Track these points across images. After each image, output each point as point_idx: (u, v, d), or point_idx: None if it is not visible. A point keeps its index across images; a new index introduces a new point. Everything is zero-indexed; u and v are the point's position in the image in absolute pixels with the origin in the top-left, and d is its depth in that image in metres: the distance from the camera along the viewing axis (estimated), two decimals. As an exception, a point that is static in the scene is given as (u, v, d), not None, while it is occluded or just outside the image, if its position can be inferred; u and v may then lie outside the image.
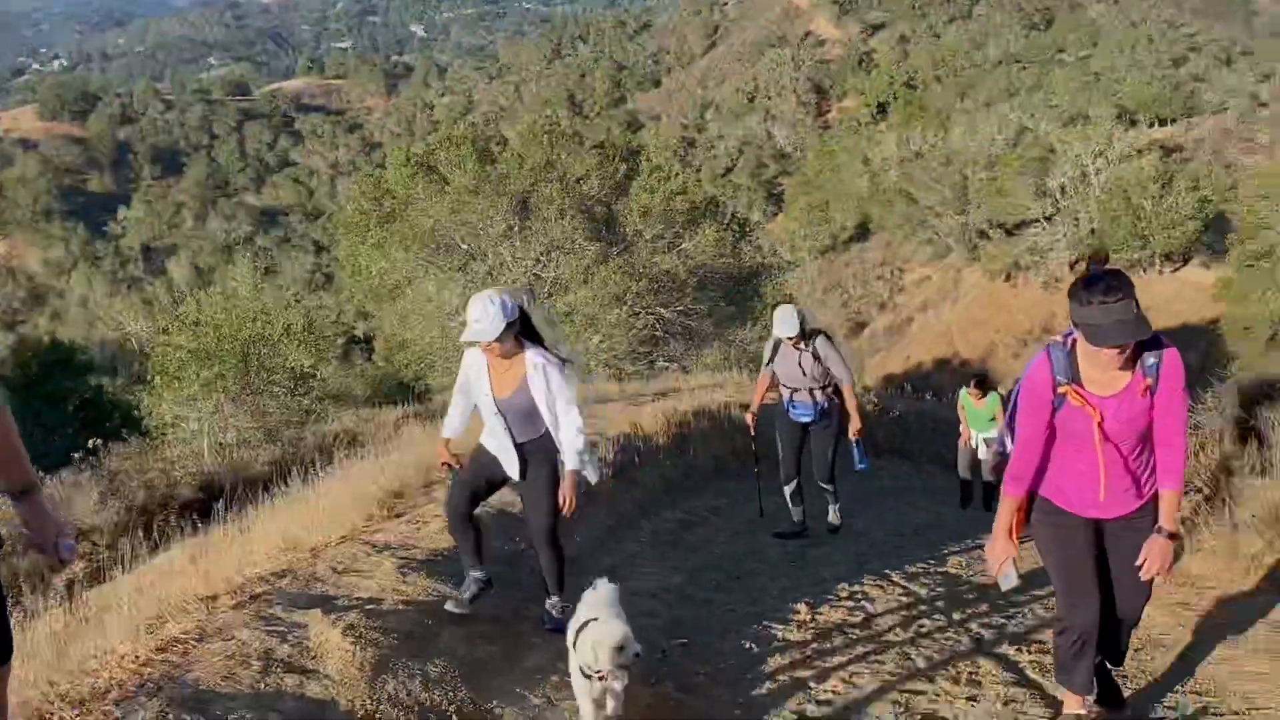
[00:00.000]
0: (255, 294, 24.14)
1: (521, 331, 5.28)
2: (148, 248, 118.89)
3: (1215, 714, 4.26)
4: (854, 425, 8.44)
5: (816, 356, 8.32)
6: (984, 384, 12.61)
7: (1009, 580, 4.02)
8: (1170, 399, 3.78)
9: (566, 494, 5.35)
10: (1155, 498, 3.94)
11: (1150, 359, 3.76)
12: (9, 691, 3.23)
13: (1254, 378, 8.65)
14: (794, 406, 8.54)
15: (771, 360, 8.60)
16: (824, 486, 8.87)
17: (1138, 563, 3.88)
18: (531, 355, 5.25)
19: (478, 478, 5.55)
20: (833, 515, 9.13)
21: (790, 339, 8.29)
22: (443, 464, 5.55)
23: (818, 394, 8.43)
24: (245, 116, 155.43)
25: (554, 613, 5.59)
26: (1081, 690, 4.17)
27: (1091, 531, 4.03)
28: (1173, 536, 3.90)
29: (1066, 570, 4.00)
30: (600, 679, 4.15)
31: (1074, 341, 3.84)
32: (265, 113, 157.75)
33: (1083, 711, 4.19)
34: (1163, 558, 3.86)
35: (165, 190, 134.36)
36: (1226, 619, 5.49)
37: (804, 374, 8.37)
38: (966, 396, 12.50)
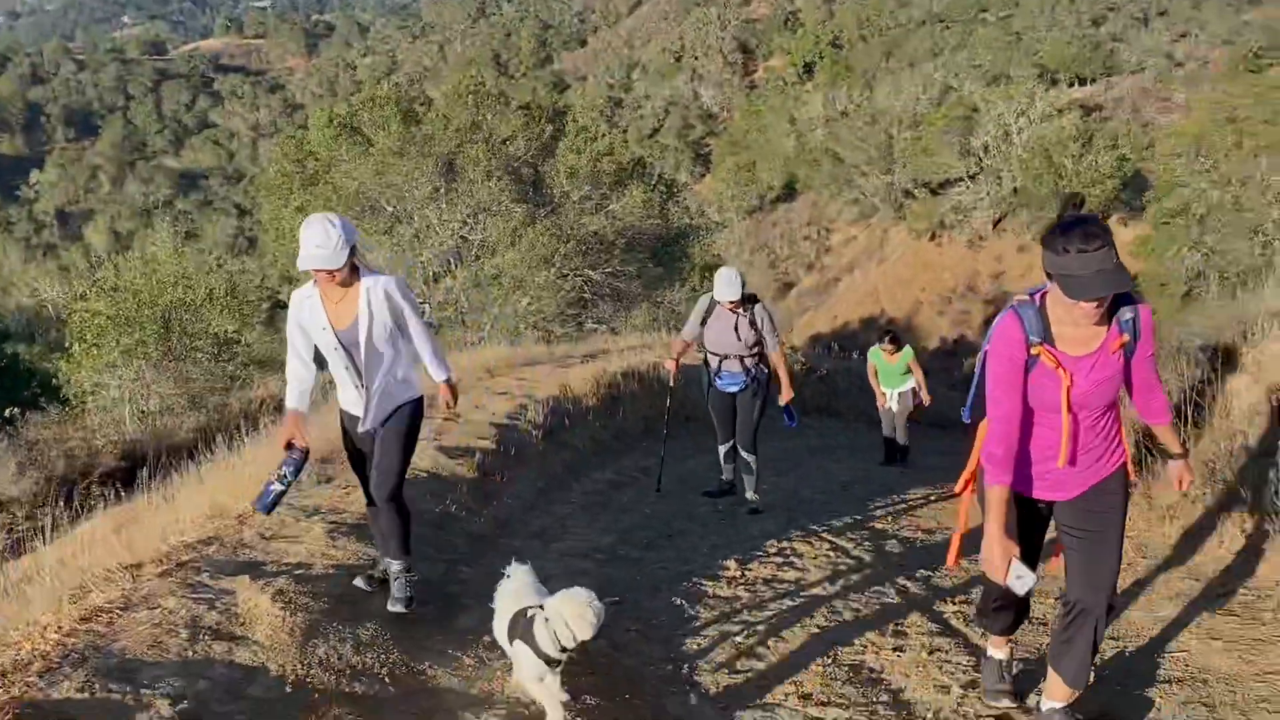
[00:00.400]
0: (176, 259, 23.62)
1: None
2: (63, 212, 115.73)
3: (1128, 658, 4.40)
4: (786, 394, 8.15)
5: (754, 323, 7.90)
6: (896, 340, 12.44)
7: (1023, 582, 3.50)
8: (1146, 349, 3.53)
9: (449, 400, 5.28)
10: (1120, 467, 3.69)
11: (1127, 314, 3.47)
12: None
13: (1171, 334, 8.87)
14: (721, 377, 8.10)
15: (703, 323, 8.08)
16: (745, 455, 8.27)
17: (1176, 485, 3.83)
18: (367, 280, 4.74)
19: (362, 450, 5.08)
20: (751, 494, 8.42)
21: (731, 303, 7.84)
22: (286, 444, 4.86)
23: (748, 361, 8.00)
24: (162, 77, 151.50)
25: (401, 583, 4.97)
26: (1003, 633, 4.11)
27: (1041, 511, 3.78)
28: (1185, 455, 3.85)
29: None
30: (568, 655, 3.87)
31: (1043, 297, 3.55)
32: (183, 73, 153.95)
33: (1004, 655, 4.15)
34: (1191, 473, 3.85)
35: (80, 153, 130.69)
36: (1143, 567, 5.66)
37: (738, 339, 7.91)
38: (878, 353, 12.43)
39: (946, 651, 4.65)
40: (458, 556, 6.29)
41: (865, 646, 4.82)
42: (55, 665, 3.95)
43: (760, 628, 5.16)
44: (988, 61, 70.80)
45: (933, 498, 9.11)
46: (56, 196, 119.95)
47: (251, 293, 28.80)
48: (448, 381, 5.20)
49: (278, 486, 4.75)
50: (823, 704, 4.17)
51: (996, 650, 4.19)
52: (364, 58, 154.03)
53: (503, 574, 4.48)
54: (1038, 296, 3.56)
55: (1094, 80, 72.86)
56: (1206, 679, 4.01)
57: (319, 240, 4.54)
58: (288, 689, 4.00)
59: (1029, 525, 3.72)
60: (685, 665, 4.76)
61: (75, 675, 3.84)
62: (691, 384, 9.59)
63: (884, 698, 4.19)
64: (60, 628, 4.34)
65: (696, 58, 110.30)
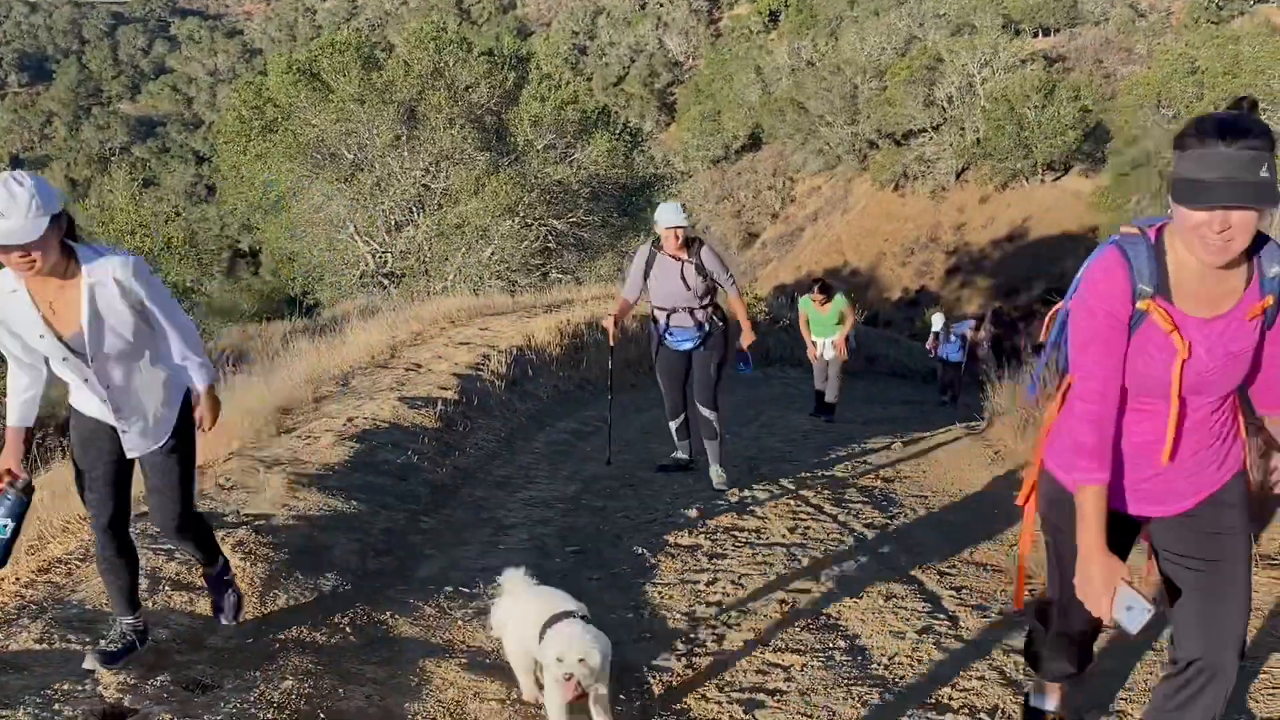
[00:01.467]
0: (133, 207, 23.31)
1: (69, 234, 3.45)
2: (17, 159, 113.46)
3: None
4: (746, 337, 7.30)
5: (701, 269, 7.01)
6: (827, 289, 12.07)
7: (1135, 615, 2.51)
8: None
9: (205, 415, 3.84)
10: (1239, 474, 2.70)
11: (1275, 268, 2.46)
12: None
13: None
14: (672, 334, 7.22)
15: (645, 276, 7.18)
16: (705, 414, 7.33)
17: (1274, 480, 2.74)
18: (88, 269, 3.43)
19: (98, 466, 3.68)
20: (716, 470, 7.40)
21: (676, 233, 6.93)
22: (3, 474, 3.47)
23: (699, 314, 7.12)
24: (117, 21, 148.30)
25: (227, 600, 4.12)
26: (1060, 678, 3.14)
27: (1132, 530, 2.79)
28: None
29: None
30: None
31: (1159, 232, 2.56)
32: (139, 17, 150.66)
33: (1055, 706, 3.24)
34: None
35: (34, 99, 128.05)
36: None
37: (687, 288, 7.02)
38: (809, 303, 12.11)
39: (902, 598, 4.72)
40: (419, 507, 6.30)
41: (822, 593, 4.88)
42: (13, 617, 3.93)
43: (720, 576, 5.21)
44: (952, 11, 70.65)
45: (893, 445, 9.20)
46: (11, 143, 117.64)
47: (211, 242, 28.50)
48: (209, 390, 3.83)
49: None
50: (780, 650, 4.22)
51: (1045, 699, 3.25)
52: (324, 3, 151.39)
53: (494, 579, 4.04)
54: (1153, 230, 2.57)
55: (1057, 31, 72.95)
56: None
57: (1, 207, 3.16)
58: (248, 639, 4.01)
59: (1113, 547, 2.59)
60: (646, 613, 4.80)
61: (33, 626, 3.83)
62: (637, 341, 9.41)
63: (840, 644, 4.25)
64: (18, 579, 4.33)
65: (662, 4, 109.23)
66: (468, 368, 9.91)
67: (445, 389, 8.92)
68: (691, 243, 7.06)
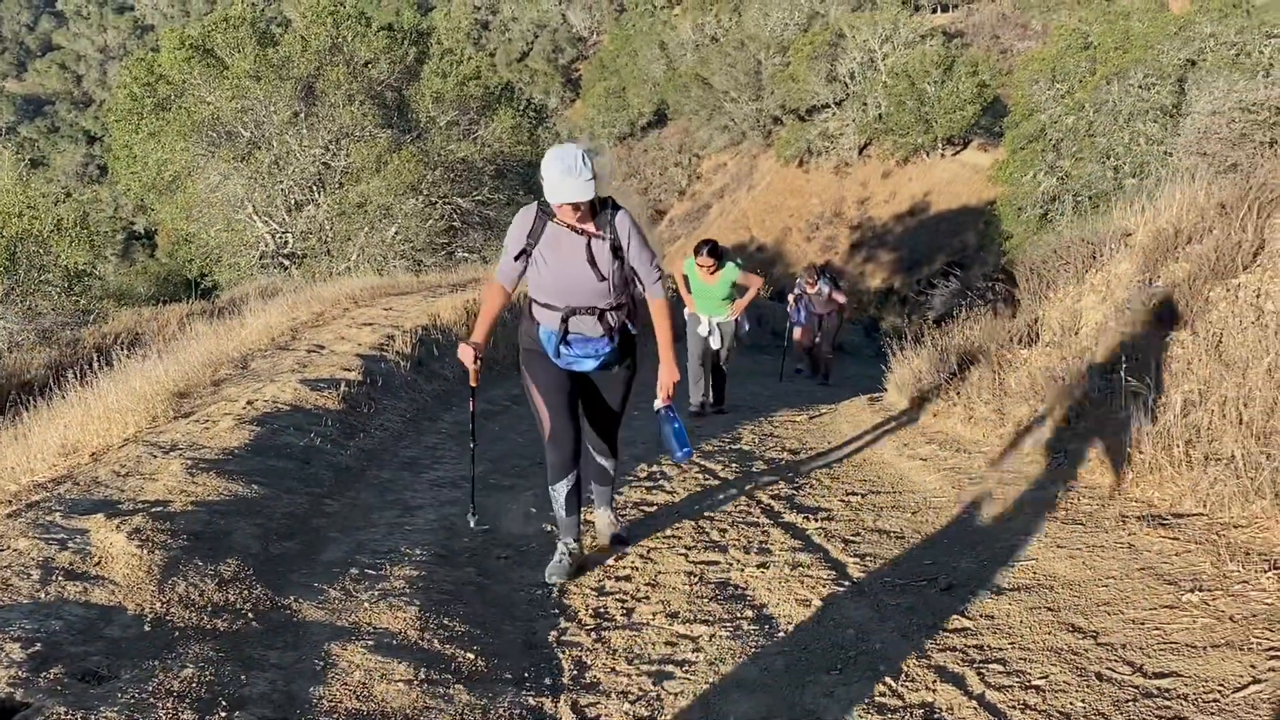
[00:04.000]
0: (20, 188, 22.49)
1: None
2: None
3: (982, 568, 4.58)
4: (666, 375, 4.83)
5: (617, 246, 4.63)
6: (717, 252, 9.50)
7: None
8: None
9: None
10: None
11: None
12: None
13: (1024, 256, 9.19)
14: (569, 345, 4.77)
15: (526, 253, 4.66)
16: (601, 462, 5.21)
17: None
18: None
19: None
20: (605, 520, 5.42)
21: (575, 207, 4.47)
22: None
23: (611, 316, 4.74)
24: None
25: None
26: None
27: None
28: None
29: None
30: None
31: None
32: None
33: None
34: None
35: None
36: (995, 480, 5.89)
37: (597, 276, 4.61)
38: (693, 267, 9.60)
39: (808, 567, 4.77)
40: (323, 490, 6.20)
41: (731, 565, 4.92)
42: (-106, 613, 3.78)
43: (630, 550, 5.22)
44: (854, -13, 71.30)
45: (799, 420, 9.30)
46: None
47: (104, 223, 27.69)
48: None
49: None
50: (689, 621, 4.25)
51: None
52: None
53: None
54: None
55: (956, 7, 74.11)
56: (1052, 585, 4.20)
57: None
58: (146, 627, 3.90)
59: None
60: (556, 589, 4.80)
61: (-83, 622, 3.68)
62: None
63: (748, 613, 4.29)
64: (-100, 573, 4.16)
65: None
66: (371, 348, 9.77)
67: (348, 370, 8.78)
68: (603, 207, 4.63)
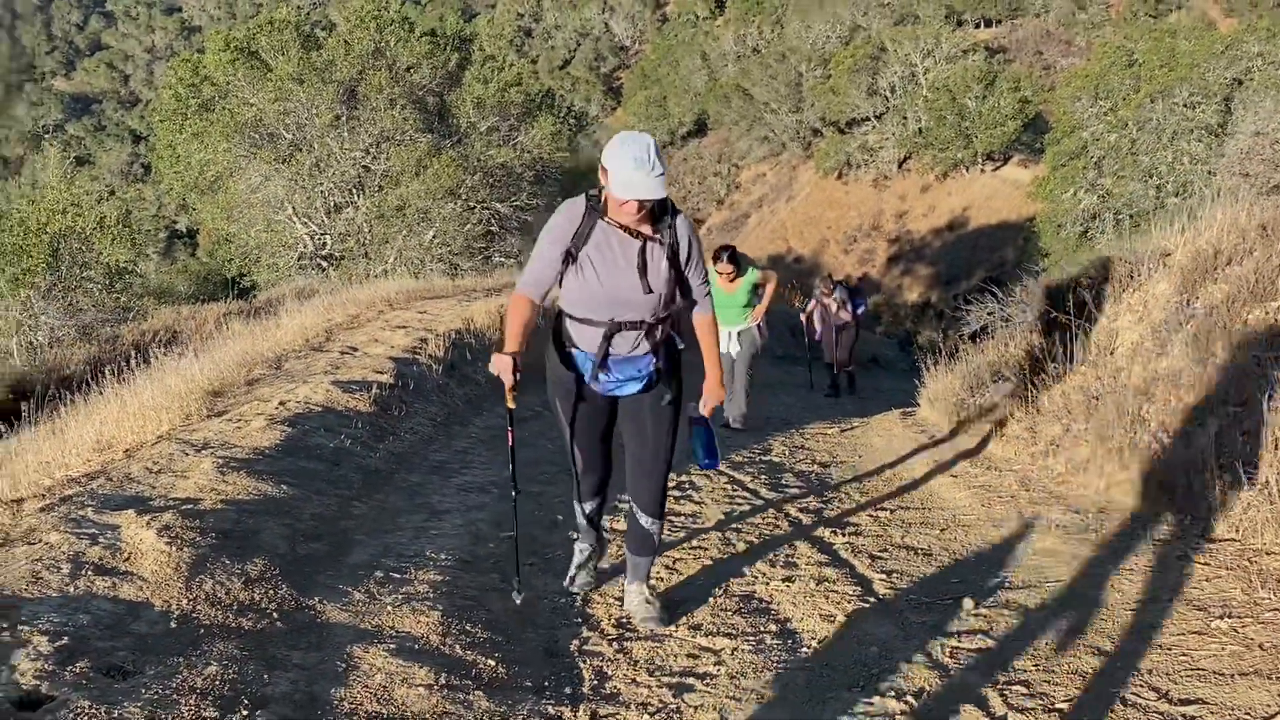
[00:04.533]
0: (65, 186, 22.83)
1: None
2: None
3: (1009, 588, 4.54)
4: (711, 394, 4.40)
5: (675, 255, 4.04)
6: (737, 260, 9.16)
7: None
8: None
9: None
10: None
11: None
12: None
13: (1063, 274, 9.10)
14: (608, 370, 4.16)
15: (570, 256, 4.02)
16: (644, 523, 4.40)
17: None
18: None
19: None
20: (640, 596, 4.53)
21: (642, 205, 3.85)
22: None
23: (658, 333, 4.16)
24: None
25: None
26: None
27: None
28: None
29: None
30: None
31: None
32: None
33: None
34: None
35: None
36: (1026, 499, 5.84)
37: (645, 287, 3.99)
38: (712, 274, 9.00)
39: (834, 582, 4.75)
40: (352, 492, 6.23)
41: (756, 577, 4.90)
42: (-74, 603, 3.83)
43: (655, 561, 5.21)
44: (896, 1, 71.12)
45: (830, 433, 9.26)
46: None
47: (147, 222, 28.03)
48: None
49: None
50: (712, 634, 4.24)
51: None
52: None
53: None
54: None
55: (999, 22, 73.76)
56: (1079, 607, 4.15)
57: None
58: (173, 624, 3.94)
59: None
60: (579, 599, 4.79)
61: (-52, 613, 3.73)
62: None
63: (772, 627, 4.27)
64: (-68, 563, 4.22)
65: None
66: (404, 351, 9.81)
67: (381, 373, 8.83)
68: (662, 210, 4.02)
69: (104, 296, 18.82)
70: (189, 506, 5.06)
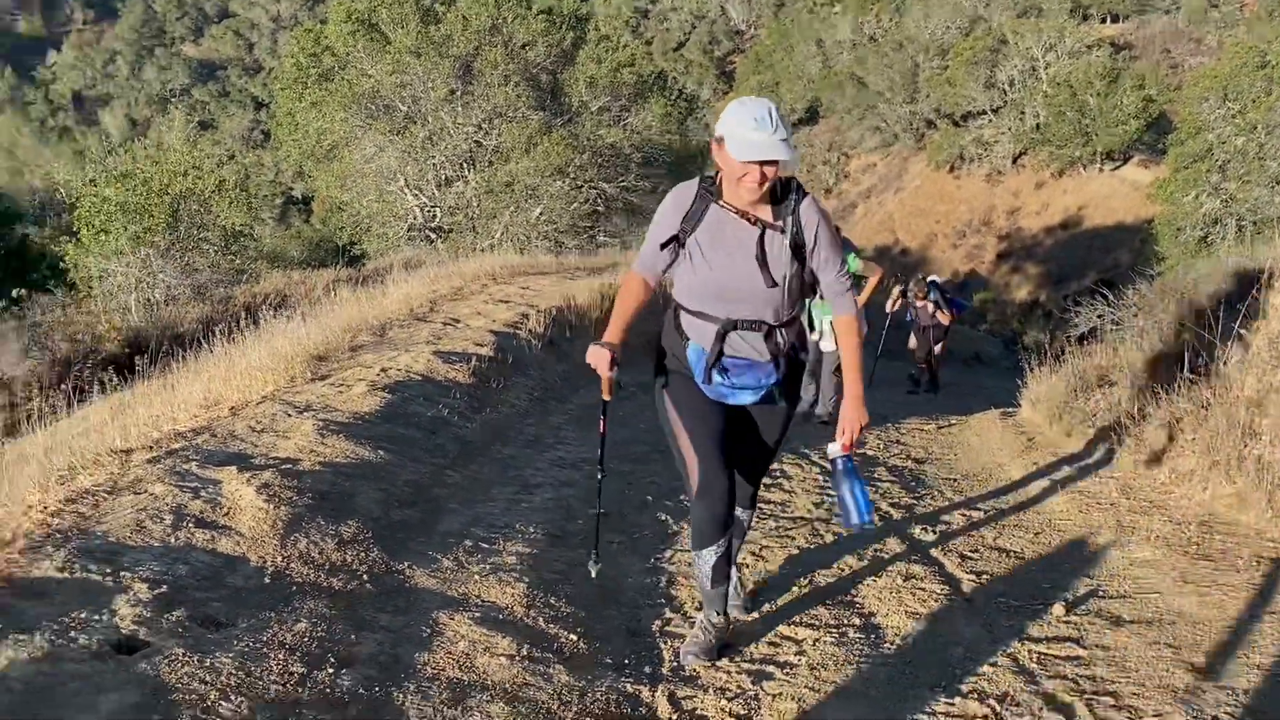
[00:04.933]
0: (188, 149, 23.51)
1: None
2: (79, 96, 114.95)
3: (1102, 596, 4.43)
4: (854, 415, 3.79)
5: (799, 243, 3.57)
6: None
7: None
8: None
9: None
10: None
11: None
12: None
13: (1180, 279, 8.83)
14: (725, 372, 3.70)
15: (678, 241, 3.64)
16: (737, 511, 3.98)
17: None
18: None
19: None
20: (734, 601, 4.26)
21: (765, 171, 3.40)
22: None
23: (781, 335, 3.69)
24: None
25: None
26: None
27: None
28: None
29: None
30: None
31: None
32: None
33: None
34: None
35: (98, 36, 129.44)
36: (1126, 507, 5.68)
37: (767, 280, 3.55)
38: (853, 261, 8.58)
39: (921, 579, 4.68)
40: (447, 461, 6.32)
41: (842, 570, 4.86)
42: (37, 544, 3.99)
43: (742, 547, 5.19)
44: (1021, -8, 69.45)
45: (926, 430, 9.12)
46: (73, 79, 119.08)
47: (264, 187, 28.73)
48: None
49: None
50: (794, 623, 4.21)
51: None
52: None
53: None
54: None
55: (1126, 18, 71.57)
56: (1175, 621, 4.04)
57: None
58: (266, 579, 4.04)
59: None
60: (664, 579, 4.81)
61: (57, 555, 3.88)
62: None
63: (855, 621, 4.23)
64: (46, 507, 4.39)
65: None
66: (505, 325, 9.92)
67: (481, 345, 8.93)
68: (785, 193, 3.57)
69: (219, 258, 19.36)
70: (288, 466, 5.19)
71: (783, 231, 3.54)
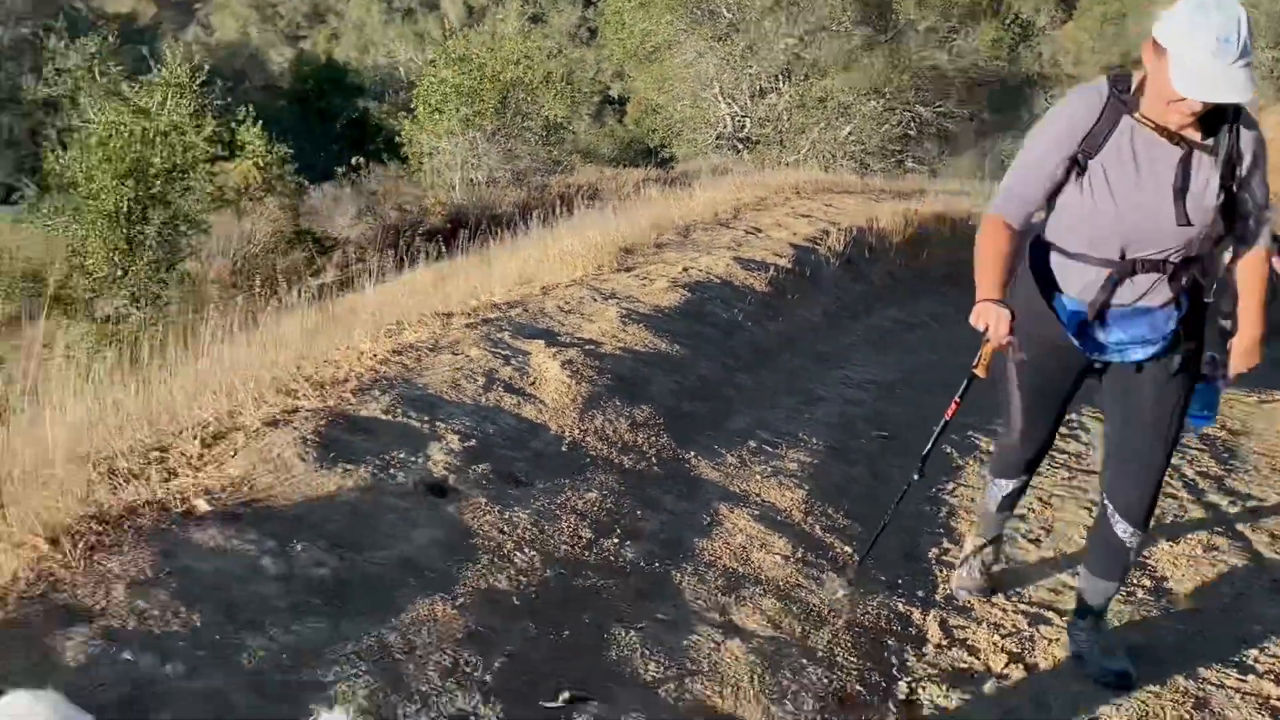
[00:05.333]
0: (520, 39, 24.47)
1: None
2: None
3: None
4: (1248, 351, 3.00)
5: (1232, 169, 2.77)
6: None
7: None
8: None
9: None
10: None
11: None
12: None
13: None
14: (1106, 325, 3.01)
15: (1077, 168, 2.85)
16: (1121, 535, 3.19)
17: None
18: None
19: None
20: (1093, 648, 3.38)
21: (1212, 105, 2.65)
22: None
23: (1183, 278, 2.94)
24: None
25: None
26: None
27: None
28: None
29: None
30: None
31: None
32: None
33: None
34: None
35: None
36: None
37: (1181, 216, 2.80)
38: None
39: (1223, 552, 4.40)
40: (737, 364, 6.42)
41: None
42: (366, 387, 4.36)
43: (1030, 491, 5.03)
44: None
45: (1247, 401, 8.47)
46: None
47: (585, 84, 29.53)
48: None
49: None
50: (1079, 575, 4.08)
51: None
52: None
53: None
54: None
55: None
56: None
57: None
58: (564, 448, 4.27)
59: None
60: (945, 510, 4.75)
61: (382, 399, 4.23)
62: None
63: (1146, 582, 4.04)
64: (375, 355, 4.78)
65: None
66: (805, 239, 9.87)
67: (780, 256, 8.94)
68: (1223, 116, 2.75)
69: (538, 147, 20.17)
70: (591, 347, 5.41)
71: (1214, 154, 2.77)
